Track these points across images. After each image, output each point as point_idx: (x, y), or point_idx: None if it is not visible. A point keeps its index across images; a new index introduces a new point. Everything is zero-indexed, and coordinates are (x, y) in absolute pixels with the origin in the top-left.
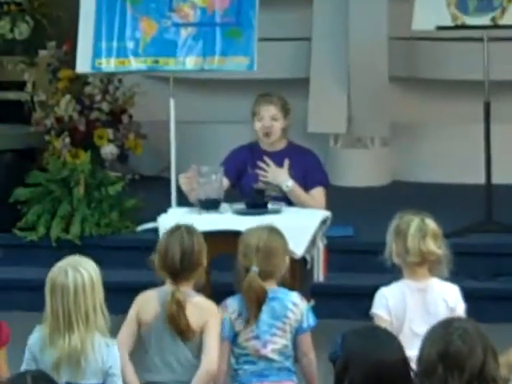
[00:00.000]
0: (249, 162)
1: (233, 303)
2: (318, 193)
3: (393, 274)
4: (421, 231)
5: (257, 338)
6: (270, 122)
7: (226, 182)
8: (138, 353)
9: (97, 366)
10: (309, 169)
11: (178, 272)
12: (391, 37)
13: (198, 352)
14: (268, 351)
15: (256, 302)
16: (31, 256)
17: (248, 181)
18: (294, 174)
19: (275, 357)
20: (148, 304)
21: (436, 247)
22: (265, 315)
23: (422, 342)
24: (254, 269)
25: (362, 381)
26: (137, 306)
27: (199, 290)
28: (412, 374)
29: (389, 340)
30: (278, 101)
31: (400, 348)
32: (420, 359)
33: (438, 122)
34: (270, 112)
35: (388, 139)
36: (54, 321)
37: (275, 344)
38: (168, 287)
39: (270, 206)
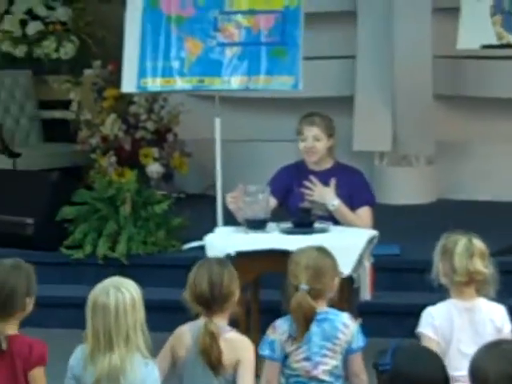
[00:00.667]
0: (295, 181)
1: (283, 324)
2: (364, 212)
3: (440, 293)
4: (468, 251)
5: (308, 359)
6: (312, 142)
7: (273, 202)
8: None
9: None
10: (355, 188)
11: (209, 303)
12: (436, 55)
13: None
14: (319, 372)
15: (303, 321)
16: (77, 274)
17: (295, 200)
18: (341, 193)
19: (326, 378)
20: (181, 338)
21: (483, 267)
22: (316, 337)
23: (471, 362)
24: (304, 287)
25: None
26: (172, 340)
27: (235, 321)
28: None
29: (435, 360)
30: (321, 121)
31: (443, 368)
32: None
33: (482, 140)
34: (312, 132)
35: (433, 157)
36: (94, 340)
37: (326, 365)
38: (201, 321)
39: (316, 225)
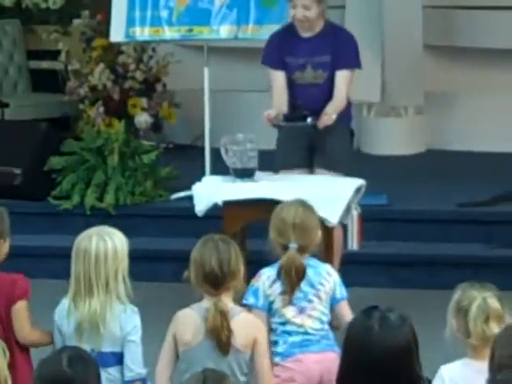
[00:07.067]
0: (285, 49)
1: (267, 271)
2: (343, 77)
3: (427, 242)
4: (483, 313)
5: (293, 304)
6: (302, 12)
7: (281, 75)
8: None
9: (116, 334)
10: (340, 48)
11: (219, 281)
12: (425, 5)
13: (246, 368)
14: (305, 317)
15: (296, 279)
16: (65, 224)
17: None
18: (327, 54)
19: (313, 324)
20: (185, 322)
21: (500, 329)
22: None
23: None
24: (293, 245)
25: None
26: (174, 327)
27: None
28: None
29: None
30: None
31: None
32: None
33: (472, 90)
34: (301, 1)
35: (422, 108)
36: (76, 284)
37: (312, 310)
38: (206, 302)
39: (309, 119)
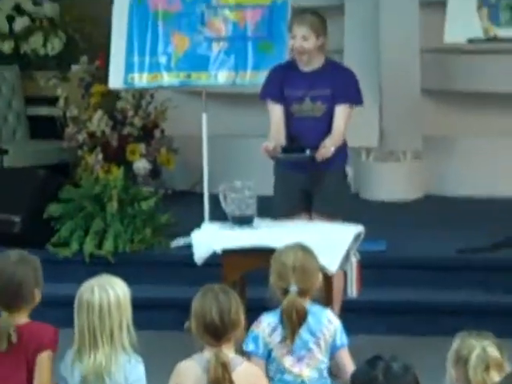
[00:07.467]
0: (285, 82)
1: (267, 317)
2: (342, 111)
3: (425, 289)
4: (483, 362)
5: (292, 352)
6: (300, 41)
7: (279, 109)
8: None
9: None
10: (341, 83)
11: (219, 332)
12: (423, 49)
13: None
14: (303, 366)
15: (297, 322)
16: (65, 272)
17: (289, 95)
18: (327, 89)
19: (311, 373)
20: (187, 373)
21: (500, 377)
22: (300, 331)
23: None
24: (294, 288)
25: None
26: (175, 378)
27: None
28: None
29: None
30: (311, 20)
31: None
32: None
33: (470, 134)
34: (301, 31)
35: (420, 152)
36: (80, 337)
37: (311, 359)
38: (207, 353)
39: (307, 151)
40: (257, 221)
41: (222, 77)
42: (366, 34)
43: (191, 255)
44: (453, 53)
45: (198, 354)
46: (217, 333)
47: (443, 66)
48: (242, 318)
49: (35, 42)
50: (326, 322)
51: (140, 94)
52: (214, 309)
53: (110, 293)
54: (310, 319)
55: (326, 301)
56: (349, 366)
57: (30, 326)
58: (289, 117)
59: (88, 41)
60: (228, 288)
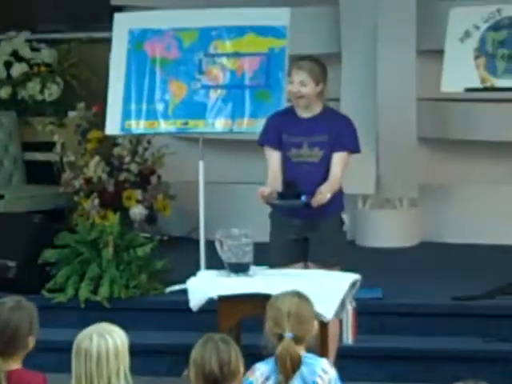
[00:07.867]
0: (284, 129)
1: (262, 366)
2: (340, 158)
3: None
4: None
5: None
6: (298, 87)
7: (276, 155)
8: None
9: None
10: (339, 132)
11: (219, 382)
12: (420, 97)
13: None
14: None
15: (291, 369)
16: (59, 317)
17: (287, 140)
18: (325, 136)
19: None
20: None
21: None
22: (294, 380)
23: None
24: (289, 335)
25: None
26: None
27: None
28: None
29: None
30: (310, 66)
31: None
32: None
33: (467, 183)
34: (299, 77)
35: (417, 200)
36: None
37: None
38: None
39: (303, 197)
40: (253, 268)
41: (219, 124)
42: (362, 82)
43: (187, 301)
44: (449, 101)
45: None
46: (216, 383)
47: (440, 115)
48: (242, 369)
49: (33, 87)
50: (321, 372)
51: (137, 140)
52: (214, 359)
53: (108, 341)
54: (304, 369)
55: (321, 348)
56: None
57: (21, 373)
58: (286, 161)
59: (85, 87)
60: (229, 338)
